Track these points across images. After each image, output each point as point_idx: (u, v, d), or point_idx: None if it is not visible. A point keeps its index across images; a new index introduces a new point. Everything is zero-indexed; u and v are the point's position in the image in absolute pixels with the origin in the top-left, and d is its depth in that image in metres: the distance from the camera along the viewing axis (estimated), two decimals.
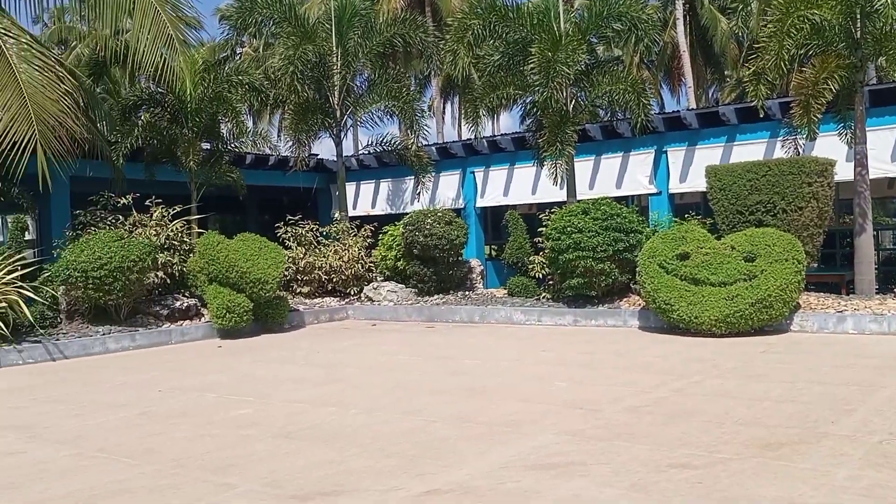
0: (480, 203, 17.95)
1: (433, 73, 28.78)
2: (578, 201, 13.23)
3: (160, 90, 14.68)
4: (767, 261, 10.02)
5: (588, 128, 15.45)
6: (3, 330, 9.69)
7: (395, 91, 16.55)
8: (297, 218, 15.63)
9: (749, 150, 13.95)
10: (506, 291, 14.19)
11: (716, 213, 11.79)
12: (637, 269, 11.03)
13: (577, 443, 5.01)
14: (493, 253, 19.30)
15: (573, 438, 5.12)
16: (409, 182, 18.52)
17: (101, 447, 5.35)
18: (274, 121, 33.09)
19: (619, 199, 13.76)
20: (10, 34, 10.85)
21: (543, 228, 12.89)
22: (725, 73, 31.62)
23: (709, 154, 14.58)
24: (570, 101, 13.92)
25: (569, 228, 11.94)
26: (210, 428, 5.87)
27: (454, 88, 33.95)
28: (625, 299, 12.27)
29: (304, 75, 16.00)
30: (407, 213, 15.52)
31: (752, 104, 12.39)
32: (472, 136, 15.86)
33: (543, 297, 13.22)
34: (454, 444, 5.10)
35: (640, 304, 11.72)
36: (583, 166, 15.56)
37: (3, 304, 9.85)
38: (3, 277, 9.97)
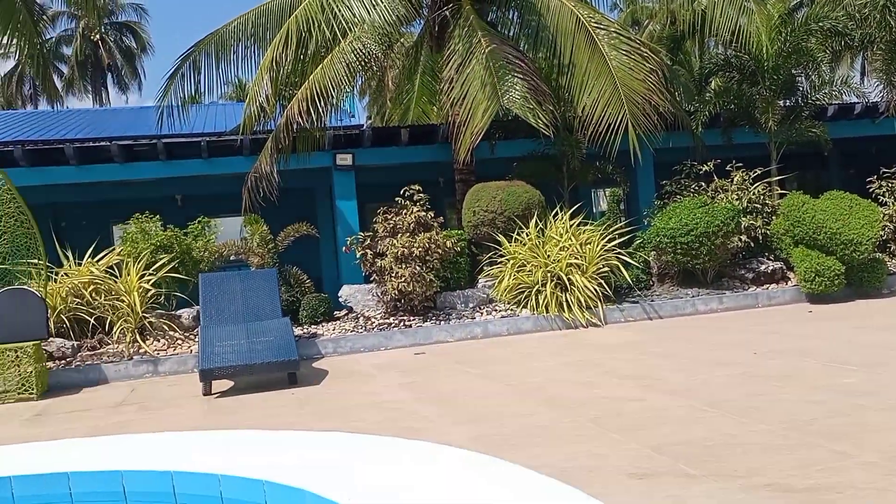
0: None
1: None
2: None
3: (734, 53, 14.61)
4: None
5: None
6: (607, 291, 11.01)
7: None
8: (893, 171, 13.85)
9: None
10: None
11: None
12: None
13: None
14: None
15: None
16: None
17: (710, 402, 5.67)
18: (856, 65, 29.79)
19: None
20: (601, 26, 12.14)
21: None
22: None
23: None
24: None
25: None
26: (815, 393, 5.69)
27: None
28: None
29: None
30: None
31: None
32: None
33: None
34: None
35: None
36: None
37: (606, 269, 11.18)
38: (606, 245, 11.32)
